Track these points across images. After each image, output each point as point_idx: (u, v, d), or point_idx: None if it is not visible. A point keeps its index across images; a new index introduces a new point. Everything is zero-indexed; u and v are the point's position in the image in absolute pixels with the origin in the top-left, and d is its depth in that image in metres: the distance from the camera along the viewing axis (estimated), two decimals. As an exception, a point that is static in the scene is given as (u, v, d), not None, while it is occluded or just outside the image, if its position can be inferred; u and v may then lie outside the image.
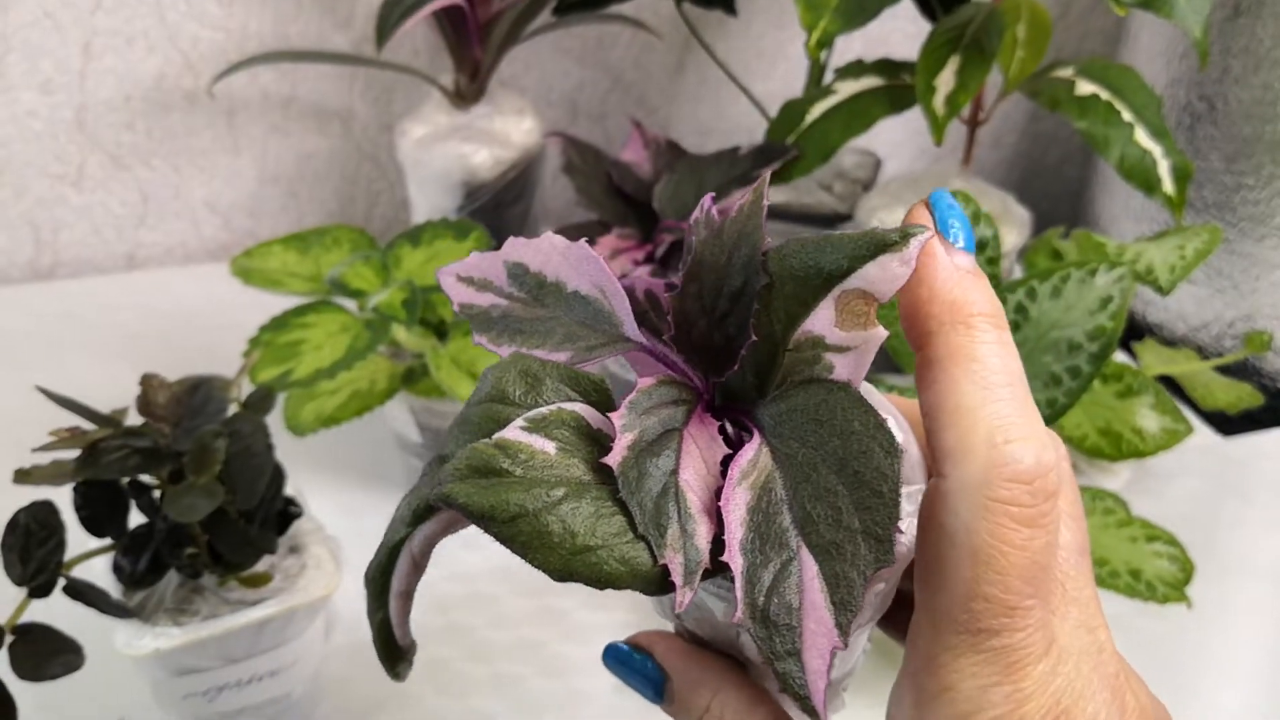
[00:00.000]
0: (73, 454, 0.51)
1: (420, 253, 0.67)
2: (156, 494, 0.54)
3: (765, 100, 0.89)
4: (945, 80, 0.66)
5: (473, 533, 0.30)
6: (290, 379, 0.60)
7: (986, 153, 1.13)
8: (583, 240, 0.33)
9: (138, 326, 0.89)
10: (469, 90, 0.82)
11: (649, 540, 0.28)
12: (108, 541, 0.53)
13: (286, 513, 0.56)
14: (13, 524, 0.50)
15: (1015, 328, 0.52)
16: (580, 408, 0.31)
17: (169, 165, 0.95)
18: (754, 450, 0.30)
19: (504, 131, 0.82)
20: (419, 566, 0.32)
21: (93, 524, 0.53)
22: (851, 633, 0.27)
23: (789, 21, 1.01)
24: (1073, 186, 1.15)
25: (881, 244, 0.29)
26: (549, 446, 0.30)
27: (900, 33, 1.03)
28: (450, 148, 0.80)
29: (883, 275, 0.29)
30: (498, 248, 0.34)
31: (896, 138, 1.07)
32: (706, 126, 1.05)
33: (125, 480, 0.52)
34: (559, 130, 0.90)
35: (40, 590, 0.50)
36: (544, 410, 0.30)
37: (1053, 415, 0.51)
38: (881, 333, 0.29)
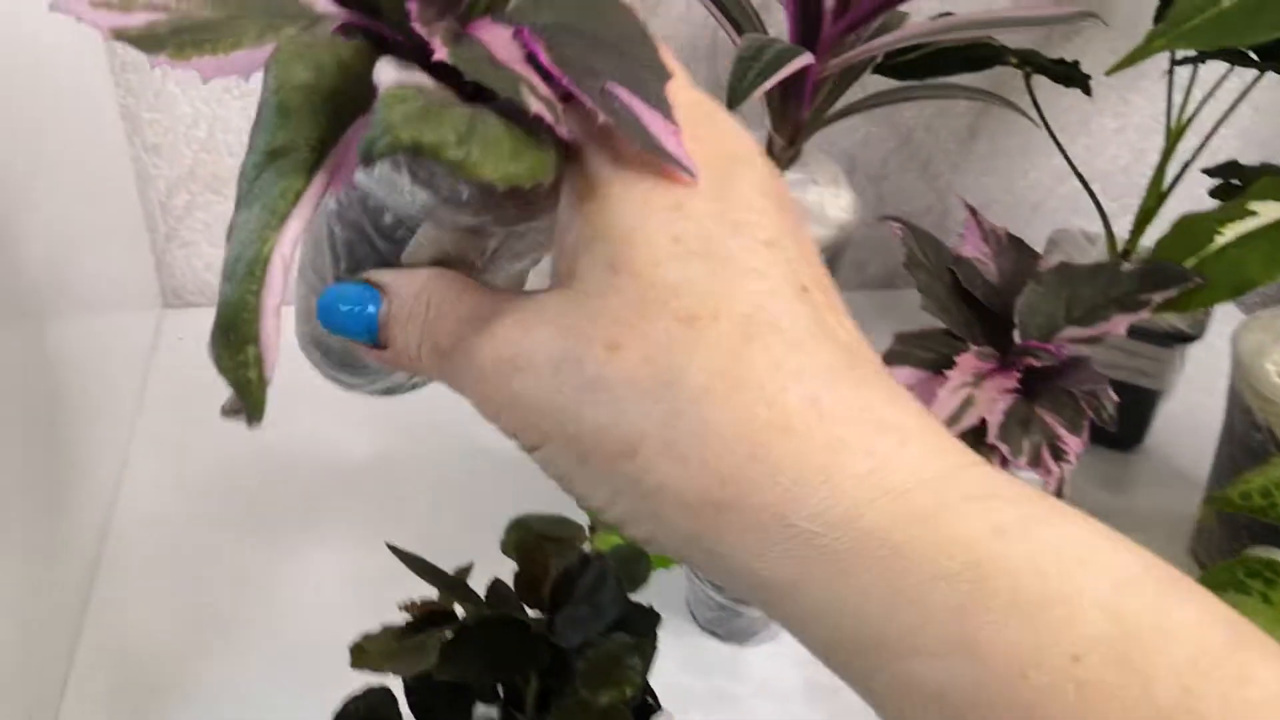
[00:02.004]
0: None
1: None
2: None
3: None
4: None
5: None
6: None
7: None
8: None
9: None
10: (785, 154, 0.71)
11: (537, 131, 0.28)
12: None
13: (644, 705, 0.45)
14: (343, 715, 0.40)
15: None
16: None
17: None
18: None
19: (819, 205, 0.71)
20: (287, 269, 0.28)
21: (426, 717, 0.43)
22: None
23: (1128, 109, 0.89)
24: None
25: None
26: (427, 80, 0.29)
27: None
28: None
29: None
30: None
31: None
32: (990, 199, 0.94)
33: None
34: (892, 215, 0.78)
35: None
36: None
37: None
38: None
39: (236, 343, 0.29)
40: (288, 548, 0.67)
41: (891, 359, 0.62)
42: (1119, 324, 0.62)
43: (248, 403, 0.29)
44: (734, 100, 0.61)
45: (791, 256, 0.28)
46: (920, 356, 0.63)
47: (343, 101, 0.30)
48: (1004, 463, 0.59)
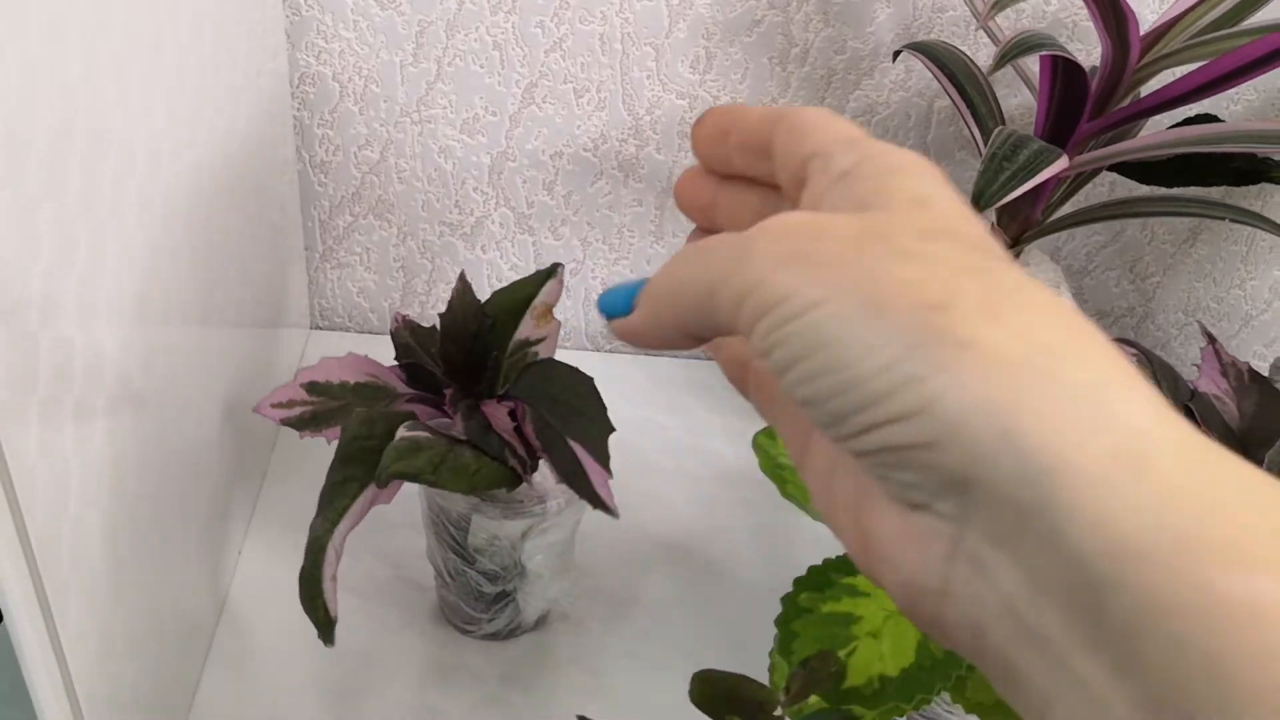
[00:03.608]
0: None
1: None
2: None
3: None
4: None
5: None
6: (839, 688, 0.43)
7: None
8: (350, 354, 0.57)
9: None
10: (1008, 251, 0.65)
11: (505, 460, 0.52)
12: None
13: None
14: None
15: None
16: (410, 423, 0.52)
17: (577, 237, 0.80)
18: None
19: (1037, 312, 0.64)
20: (339, 554, 0.50)
21: None
22: None
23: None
24: None
25: (546, 275, 0.58)
26: (422, 434, 0.51)
27: None
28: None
29: (550, 294, 0.58)
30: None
31: None
32: (1198, 306, 0.86)
33: None
34: (1128, 339, 0.71)
35: None
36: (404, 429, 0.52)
37: None
38: (557, 323, 0.58)
39: (310, 595, 0.49)
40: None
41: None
42: None
43: (321, 630, 0.50)
44: (983, 203, 0.54)
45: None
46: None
47: (381, 450, 0.50)
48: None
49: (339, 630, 0.61)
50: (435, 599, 0.64)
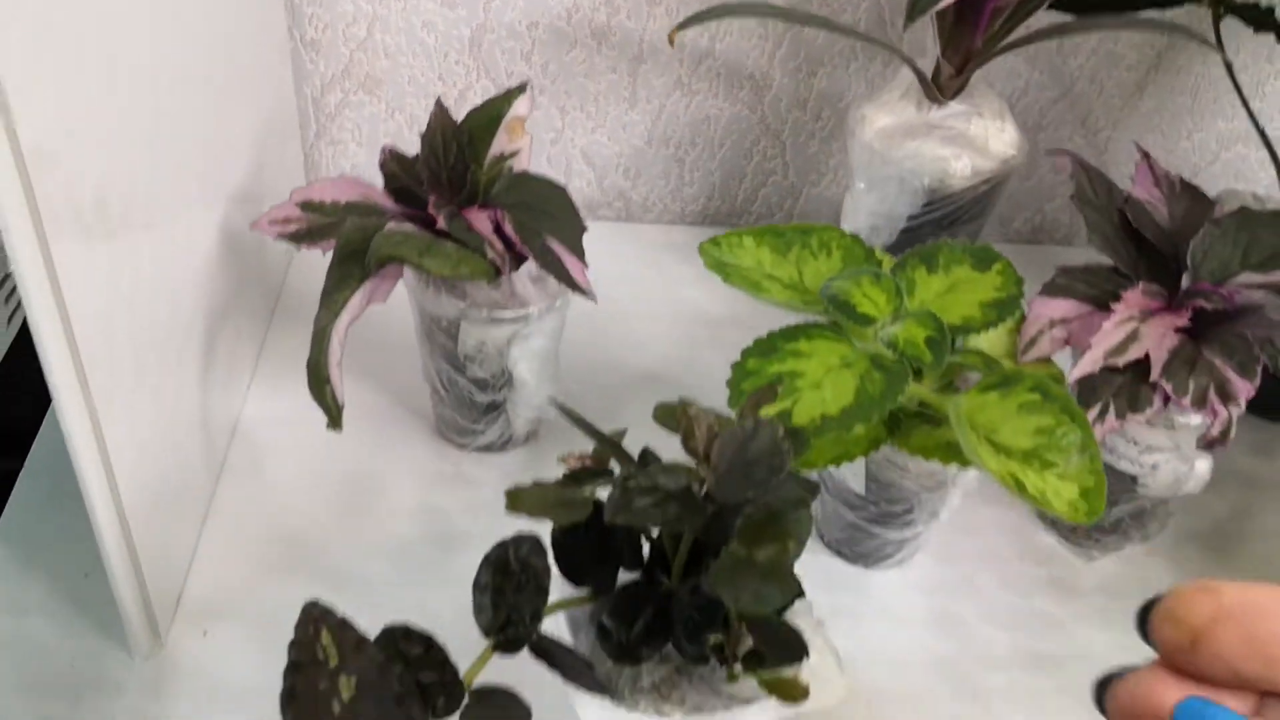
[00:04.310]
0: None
1: (937, 280, 0.54)
2: (649, 545, 0.43)
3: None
4: None
5: None
6: (789, 423, 0.48)
7: None
8: (342, 175, 0.64)
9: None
10: (950, 84, 0.69)
11: (485, 254, 0.57)
12: (583, 593, 0.43)
13: (789, 590, 0.45)
14: (493, 560, 0.40)
15: None
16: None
17: (555, 106, 0.85)
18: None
19: (983, 137, 0.69)
20: (342, 345, 0.55)
21: (573, 571, 0.42)
22: None
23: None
24: None
25: (517, 91, 0.62)
26: (409, 226, 0.58)
27: None
28: (927, 148, 0.67)
29: (520, 108, 0.61)
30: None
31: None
32: (1149, 159, 0.90)
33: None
34: (1065, 149, 0.76)
35: (509, 644, 0.40)
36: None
37: None
38: (529, 136, 0.61)
39: (319, 383, 0.56)
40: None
41: (1053, 291, 0.60)
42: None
43: (330, 417, 0.56)
44: (915, 12, 0.59)
45: None
46: (1083, 290, 0.60)
47: None
48: (1166, 401, 0.57)
49: (343, 448, 0.66)
50: (433, 421, 0.69)
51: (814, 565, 0.64)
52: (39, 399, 0.65)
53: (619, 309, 0.79)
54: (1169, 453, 0.61)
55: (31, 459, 0.64)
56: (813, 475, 0.60)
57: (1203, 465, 0.62)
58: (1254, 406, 0.76)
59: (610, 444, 0.40)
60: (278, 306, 0.77)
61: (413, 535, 0.62)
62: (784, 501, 0.36)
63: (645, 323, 0.79)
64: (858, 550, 0.63)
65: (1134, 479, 0.62)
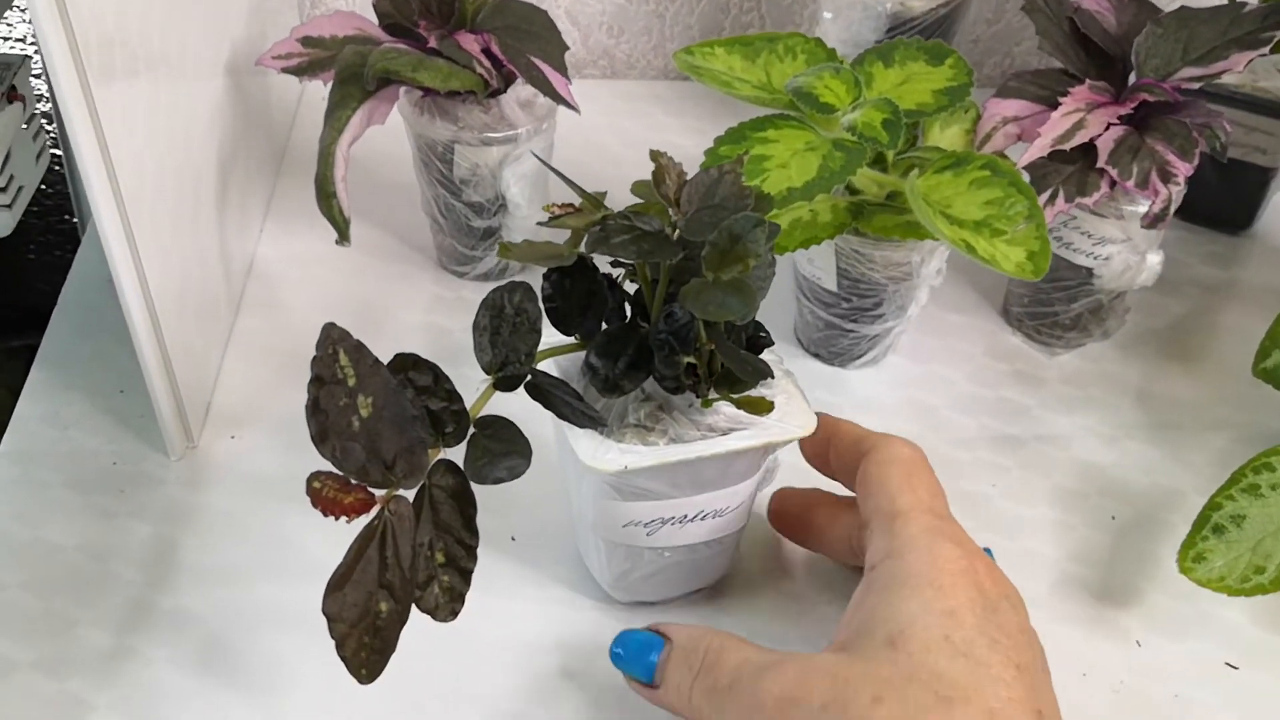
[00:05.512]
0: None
1: (893, 73, 0.59)
2: (631, 290, 0.48)
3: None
4: None
5: None
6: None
7: None
8: (338, 11, 0.65)
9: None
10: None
11: (474, 69, 0.61)
12: (571, 340, 0.48)
13: (757, 339, 0.49)
14: (490, 303, 0.45)
15: None
16: None
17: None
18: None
19: (942, -38, 0.73)
20: (346, 161, 0.59)
21: (562, 321, 0.47)
22: None
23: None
24: None
25: None
26: (403, 45, 0.62)
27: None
28: (888, -29, 0.71)
29: None
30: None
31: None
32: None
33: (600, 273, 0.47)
34: None
35: (508, 381, 0.45)
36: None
37: None
38: None
39: (325, 197, 0.60)
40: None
41: (1006, 94, 0.64)
42: (1238, 61, 0.63)
43: (338, 229, 0.60)
44: None
45: (1034, 684, 0.36)
46: (1035, 92, 0.65)
47: None
48: (1112, 185, 0.61)
49: (351, 282, 0.70)
50: (435, 254, 0.73)
51: (794, 368, 0.68)
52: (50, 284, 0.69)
53: (609, 155, 0.83)
54: (1120, 244, 0.65)
55: (63, 297, 0.69)
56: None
57: (1154, 258, 0.66)
58: (1211, 220, 0.81)
59: (591, 197, 0.45)
60: (284, 160, 0.81)
61: (417, 349, 0.67)
62: (743, 224, 0.41)
63: (634, 168, 0.83)
64: (834, 350, 0.68)
65: (1089, 271, 0.66)
